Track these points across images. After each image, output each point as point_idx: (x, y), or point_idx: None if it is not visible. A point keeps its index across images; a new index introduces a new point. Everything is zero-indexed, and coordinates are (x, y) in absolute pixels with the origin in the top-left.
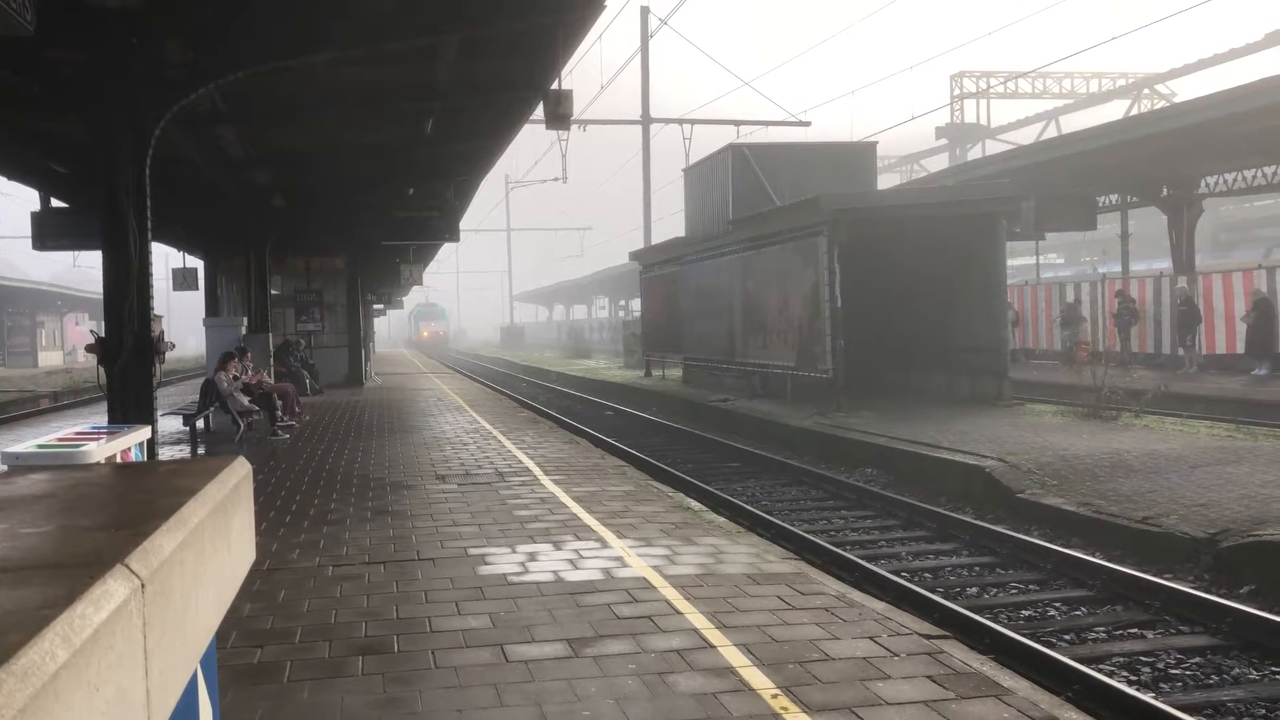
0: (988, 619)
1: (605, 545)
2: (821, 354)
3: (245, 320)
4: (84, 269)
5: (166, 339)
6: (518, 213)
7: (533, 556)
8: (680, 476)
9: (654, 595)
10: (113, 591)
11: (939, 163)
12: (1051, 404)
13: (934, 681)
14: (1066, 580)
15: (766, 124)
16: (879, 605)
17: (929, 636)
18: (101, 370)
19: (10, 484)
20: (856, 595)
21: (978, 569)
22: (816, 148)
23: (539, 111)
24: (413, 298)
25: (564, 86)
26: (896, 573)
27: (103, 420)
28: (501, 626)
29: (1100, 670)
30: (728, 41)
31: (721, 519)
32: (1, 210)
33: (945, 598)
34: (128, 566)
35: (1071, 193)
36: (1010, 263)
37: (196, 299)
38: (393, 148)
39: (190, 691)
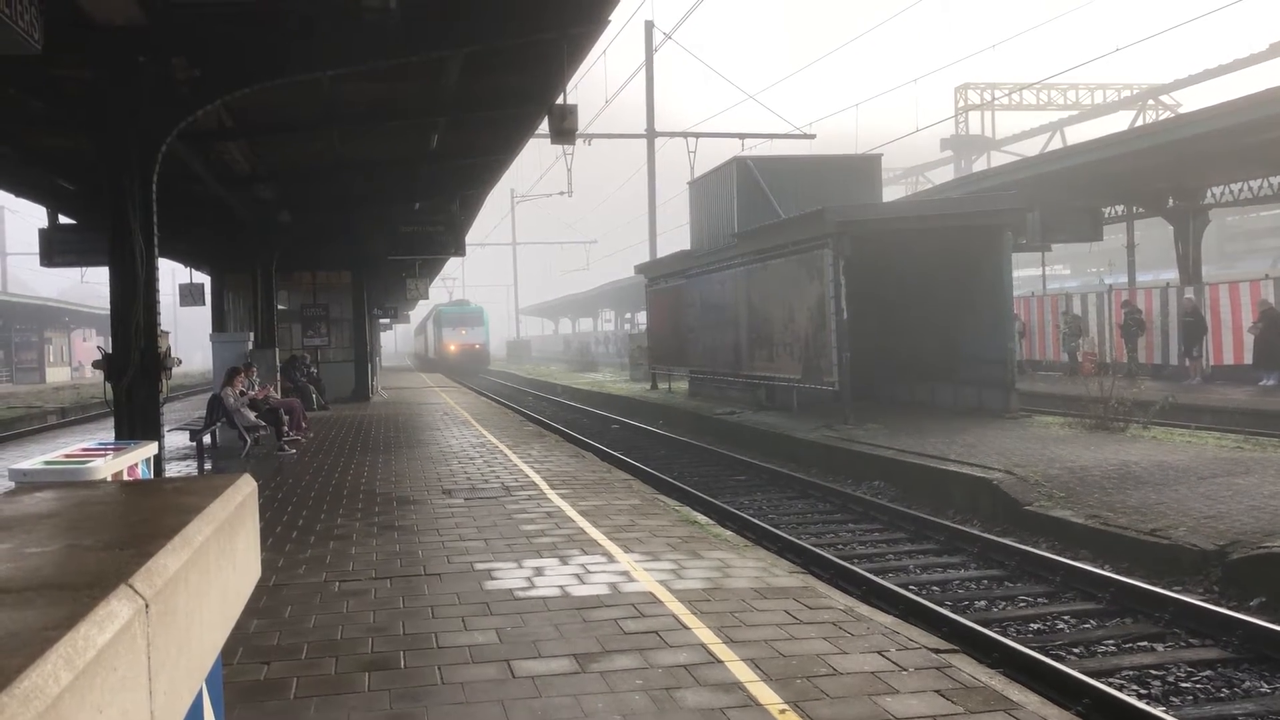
0: (996, 632)
1: (612, 560)
2: (828, 366)
3: (252, 335)
4: (91, 285)
5: (173, 354)
6: (523, 226)
7: (539, 571)
8: (687, 490)
9: (661, 610)
10: (116, 612)
11: (944, 174)
12: (1059, 415)
13: (943, 696)
14: (1075, 593)
15: (771, 136)
16: (887, 619)
17: (937, 650)
18: (108, 386)
19: (16, 502)
20: (864, 609)
21: (986, 582)
22: (821, 160)
23: (544, 126)
24: (419, 311)
25: (569, 101)
26: (904, 586)
27: (109, 436)
28: (508, 642)
29: (1110, 684)
30: (732, 55)
31: (728, 532)
32: (10, 227)
33: (954, 611)
34: (132, 586)
35: (1077, 204)
36: (1016, 274)
37: (203, 314)
38: (399, 163)
39: (195, 710)
